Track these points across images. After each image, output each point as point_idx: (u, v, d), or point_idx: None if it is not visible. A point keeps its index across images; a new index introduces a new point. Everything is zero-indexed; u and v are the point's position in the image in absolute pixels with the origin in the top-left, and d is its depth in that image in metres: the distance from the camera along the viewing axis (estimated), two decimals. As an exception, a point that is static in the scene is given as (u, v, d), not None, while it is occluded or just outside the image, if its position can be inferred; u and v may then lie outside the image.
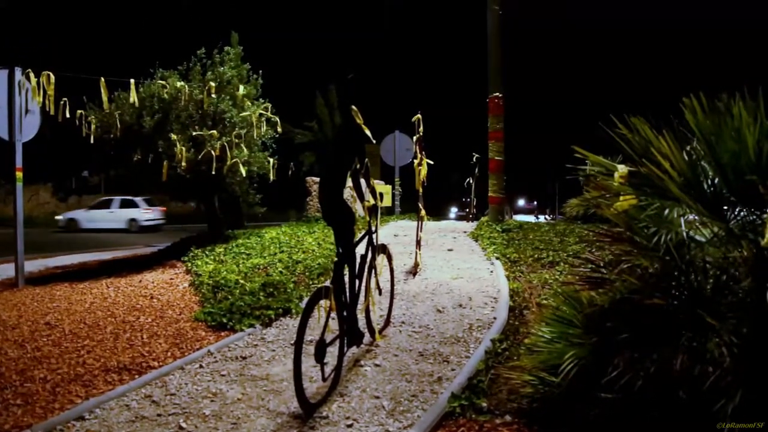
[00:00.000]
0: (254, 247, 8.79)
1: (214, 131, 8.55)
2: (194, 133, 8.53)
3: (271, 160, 9.64)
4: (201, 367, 4.17)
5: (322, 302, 3.69)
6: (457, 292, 6.11)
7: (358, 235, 4.50)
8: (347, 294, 4.01)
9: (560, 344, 3.61)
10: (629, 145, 3.30)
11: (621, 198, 3.28)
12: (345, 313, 3.91)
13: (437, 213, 41.74)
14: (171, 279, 7.50)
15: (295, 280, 6.43)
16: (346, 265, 3.99)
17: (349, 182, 4.36)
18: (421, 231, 7.31)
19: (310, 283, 6.42)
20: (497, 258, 7.51)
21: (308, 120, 18.50)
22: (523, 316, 5.40)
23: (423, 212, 7.25)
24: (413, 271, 6.98)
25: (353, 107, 4.10)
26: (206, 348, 4.51)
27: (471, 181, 14.87)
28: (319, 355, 3.46)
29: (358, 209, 5.68)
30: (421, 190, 7.18)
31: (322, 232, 9.90)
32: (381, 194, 12.97)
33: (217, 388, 3.76)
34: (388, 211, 15.79)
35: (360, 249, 4.36)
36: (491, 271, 7.00)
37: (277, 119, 9.56)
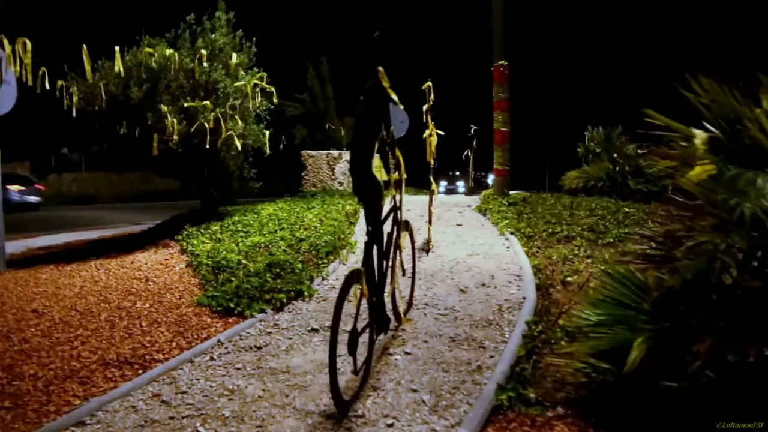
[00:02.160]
0: (252, 224, 8.32)
1: (207, 102, 8.00)
2: (186, 104, 7.97)
3: (267, 132, 9.13)
4: (212, 359, 3.76)
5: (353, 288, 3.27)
6: (476, 269, 5.74)
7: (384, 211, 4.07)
8: (376, 276, 3.59)
9: (617, 328, 3.26)
10: (707, 109, 2.92)
11: (697, 167, 2.89)
12: (374, 298, 3.50)
13: (425, 186, 41.32)
14: (165, 260, 7.04)
15: (302, 260, 5.99)
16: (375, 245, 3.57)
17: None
18: (431, 206, 6.89)
19: (319, 262, 5.99)
20: (511, 233, 7.15)
21: (299, 92, 17.87)
22: (549, 295, 5.05)
23: (434, 186, 6.83)
24: (426, 248, 6.59)
25: (380, 68, 3.64)
26: (216, 337, 4.08)
27: (469, 154, 14.48)
28: (352, 346, 3.06)
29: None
30: (432, 162, 6.76)
31: (322, 207, 9.45)
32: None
33: (233, 384, 3.35)
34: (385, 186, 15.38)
35: (385, 226, 3.94)
36: (507, 247, 6.64)
37: (273, 89, 9.02)
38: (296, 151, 15.20)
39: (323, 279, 5.53)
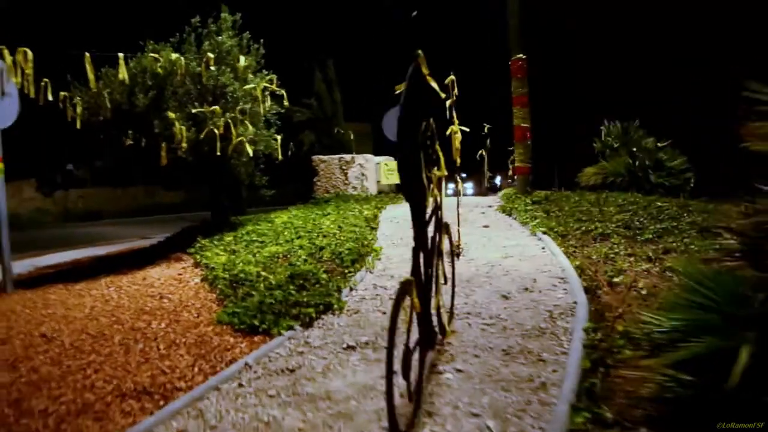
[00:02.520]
0: (266, 233, 7.95)
1: (216, 107, 7.64)
2: (194, 110, 7.62)
3: (278, 137, 8.77)
4: (241, 385, 3.36)
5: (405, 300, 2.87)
6: (515, 273, 5.34)
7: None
8: (424, 286, 3.20)
9: (705, 337, 2.85)
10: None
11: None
12: (424, 310, 3.11)
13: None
14: (179, 274, 6.67)
15: (325, 270, 5.60)
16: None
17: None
18: (458, 207, 6.49)
19: (345, 271, 5.59)
20: (544, 232, 6.74)
21: (306, 97, 17.54)
22: (598, 298, 4.65)
23: (461, 186, 6.44)
24: (456, 252, 6.19)
25: (419, 52, 3.25)
26: (242, 360, 3.68)
27: (484, 154, 14.09)
28: (406, 368, 2.66)
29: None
30: (458, 160, 6.37)
31: (338, 213, 9.07)
32: (390, 169, 12.06)
33: (268, 415, 2.95)
34: (397, 188, 15.04)
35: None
36: (542, 248, 6.23)
37: (284, 92, 8.67)
38: (305, 157, 14.87)
39: (351, 289, 5.13)
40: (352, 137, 16.12)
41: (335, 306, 4.60)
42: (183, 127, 7.37)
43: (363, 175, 12.60)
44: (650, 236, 6.38)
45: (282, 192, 17.08)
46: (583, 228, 6.96)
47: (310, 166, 12.85)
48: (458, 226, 6.42)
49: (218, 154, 7.57)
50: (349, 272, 5.49)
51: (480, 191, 14.82)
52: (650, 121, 14.95)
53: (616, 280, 5.03)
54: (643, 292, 4.68)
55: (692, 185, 13.51)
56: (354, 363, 3.61)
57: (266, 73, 8.59)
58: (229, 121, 7.62)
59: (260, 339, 4.14)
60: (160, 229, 14.08)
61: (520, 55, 9.46)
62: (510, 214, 8.41)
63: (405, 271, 5.64)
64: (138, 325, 4.73)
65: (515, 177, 10.16)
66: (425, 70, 3.27)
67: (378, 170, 13.70)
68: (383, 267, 5.80)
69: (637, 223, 7.06)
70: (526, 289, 4.83)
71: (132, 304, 5.44)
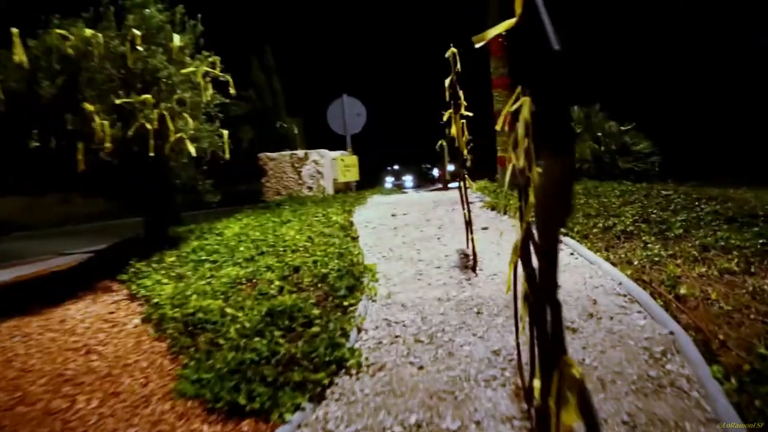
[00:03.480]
0: (218, 250, 6.49)
1: (147, 96, 6.08)
2: (118, 101, 6.02)
3: (224, 133, 7.28)
4: None
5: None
6: (562, 292, 4.22)
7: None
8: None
9: None
10: None
11: None
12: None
13: (373, 184, 39.51)
14: (110, 313, 5.15)
15: (314, 301, 4.25)
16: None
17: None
18: (467, 209, 5.30)
19: (343, 303, 4.24)
20: (564, 234, 5.68)
21: (243, 88, 15.82)
22: (678, 321, 3.60)
23: (470, 182, 5.28)
24: (470, 265, 5.01)
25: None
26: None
27: (444, 144, 12.98)
28: None
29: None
30: (465, 150, 5.20)
31: (299, 220, 7.69)
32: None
33: None
34: (357, 186, 13.73)
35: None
36: (571, 253, 5.17)
37: (229, 78, 7.18)
38: (244, 155, 13.30)
39: (360, 330, 3.81)
40: (296, 132, 14.64)
41: (350, 361, 3.27)
42: (105, 122, 5.79)
43: (318, 173, 11.20)
44: (680, 231, 5.46)
45: (226, 195, 15.39)
46: (600, 225, 5.98)
47: (255, 165, 11.33)
48: (470, 231, 5.23)
49: (152, 154, 6.03)
50: (349, 304, 4.17)
51: (443, 186, 13.72)
52: (609, 103, 14.44)
53: (682, 292, 4.02)
54: (726, 306, 3.69)
55: (657, 169, 13.06)
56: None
57: (207, 54, 7.06)
58: (165, 113, 6.10)
59: (250, 427, 2.79)
60: (81, 242, 12.04)
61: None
62: (504, 212, 7.33)
63: (417, 295, 4.41)
64: (55, 404, 3.26)
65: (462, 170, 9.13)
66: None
67: (334, 167, 12.37)
68: (387, 292, 4.53)
69: (654, 216, 6.15)
70: (591, 315, 3.70)
71: (46, 366, 3.93)
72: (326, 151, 11.75)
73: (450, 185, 13.94)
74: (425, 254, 5.60)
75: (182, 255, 6.49)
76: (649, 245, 5.15)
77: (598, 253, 5.08)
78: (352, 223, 7.02)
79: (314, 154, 11.30)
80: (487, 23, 8.54)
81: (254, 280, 5.11)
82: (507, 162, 8.21)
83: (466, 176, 5.23)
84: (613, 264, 4.72)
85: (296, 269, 5.16)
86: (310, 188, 11.24)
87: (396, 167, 58.68)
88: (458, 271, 4.93)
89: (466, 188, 5.22)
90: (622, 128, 13.14)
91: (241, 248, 6.44)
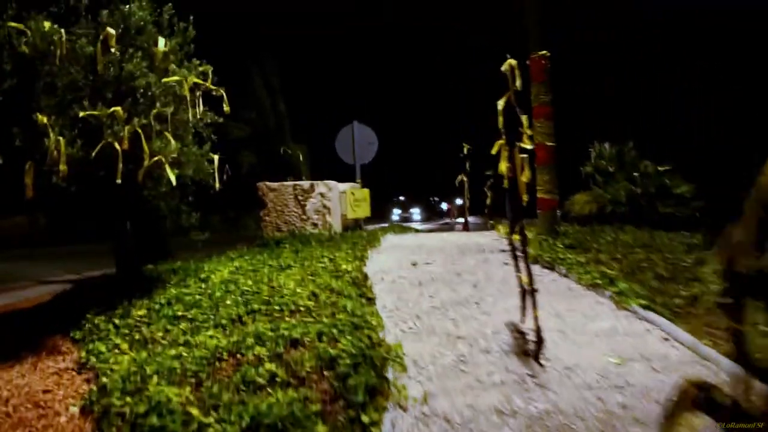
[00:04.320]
0: (199, 302, 5.20)
1: (118, 108, 4.86)
2: (82, 113, 4.80)
3: (215, 157, 6.06)
4: None
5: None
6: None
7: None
8: None
9: None
10: None
11: None
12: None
13: (378, 219, 38.06)
14: (47, 392, 3.86)
15: (319, 409, 2.92)
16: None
17: None
18: (528, 269, 3.98)
19: (363, 418, 2.89)
20: (645, 306, 4.38)
21: (243, 107, 14.55)
22: None
23: (522, 232, 3.99)
24: (529, 350, 3.68)
25: None
26: None
27: (464, 179, 11.81)
28: None
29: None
30: (525, 195, 3.94)
31: (302, 266, 6.39)
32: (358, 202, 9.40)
33: None
34: (367, 222, 12.46)
35: None
36: (665, 338, 3.87)
37: (222, 93, 5.99)
38: (244, 182, 12.08)
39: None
40: (301, 158, 13.40)
41: None
42: (61, 139, 4.55)
43: (325, 207, 9.88)
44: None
45: (214, 225, 13.99)
46: (683, 292, 4.69)
47: (254, 195, 10.05)
48: (534, 307, 3.89)
49: (119, 181, 4.78)
50: (370, 421, 2.82)
51: (451, 217, 12.37)
52: (642, 143, 13.28)
53: None
54: None
55: (698, 215, 11.80)
56: None
57: (197, 63, 5.86)
58: (139, 130, 4.86)
59: None
60: (80, 265, 10.57)
61: (543, 52, 7.25)
62: (552, 268, 6.04)
63: (465, 402, 3.08)
64: None
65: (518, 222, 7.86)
66: None
67: (343, 201, 11.04)
68: (421, 393, 3.19)
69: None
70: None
71: None
72: (334, 183, 10.44)
73: (454, 220, 12.72)
74: (465, 328, 4.29)
75: (154, 307, 5.19)
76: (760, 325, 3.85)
77: (707, 340, 3.76)
78: (366, 276, 5.70)
79: (321, 186, 10.00)
80: (529, 46, 7.44)
81: (238, 355, 3.81)
82: (549, 205, 6.96)
83: (524, 229, 3.94)
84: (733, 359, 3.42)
85: (294, 343, 3.84)
86: (315, 225, 9.90)
87: (402, 198, 57.47)
88: (515, 359, 3.61)
89: (525, 247, 3.93)
90: (660, 168, 11.92)
91: (228, 301, 5.16)
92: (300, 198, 9.94)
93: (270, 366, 3.49)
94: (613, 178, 12.29)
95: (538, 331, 3.58)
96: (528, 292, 3.81)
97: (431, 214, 44.63)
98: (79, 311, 5.24)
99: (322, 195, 9.84)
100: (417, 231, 13.35)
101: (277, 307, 4.77)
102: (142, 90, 5.11)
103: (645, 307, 4.35)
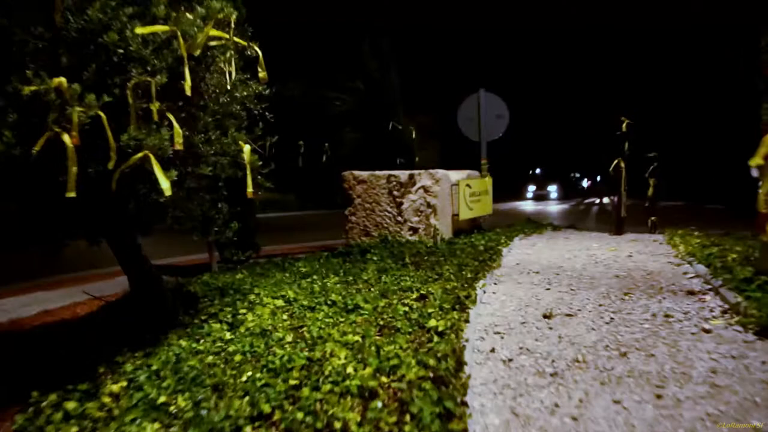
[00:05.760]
0: (199, 377, 3.38)
1: (62, 79, 3.06)
2: (26, 90, 3.07)
3: (246, 148, 4.14)
4: None
5: None
6: None
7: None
8: None
9: None
10: None
11: None
12: None
13: (511, 195, 34.95)
14: None
15: None
16: None
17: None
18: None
19: None
20: None
21: (348, 79, 12.69)
22: None
23: None
24: None
25: None
26: None
27: (621, 164, 9.01)
28: None
29: None
30: None
31: (374, 310, 4.34)
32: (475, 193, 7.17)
33: None
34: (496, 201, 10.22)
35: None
36: None
37: (258, 51, 4.04)
38: (333, 167, 10.26)
39: None
40: (414, 136, 11.18)
41: None
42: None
43: (429, 206, 7.54)
44: None
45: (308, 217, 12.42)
46: None
47: (340, 186, 8.08)
48: None
49: (72, 194, 3.03)
50: None
51: (618, 220, 9.44)
52: None
53: None
54: None
55: None
56: None
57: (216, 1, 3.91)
58: (100, 113, 3.05)
59: None
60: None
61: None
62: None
63: None
64: None
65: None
66: None
67: (455, 196, 8.49)
68: None
69: None
70: None
71: None
72: (443, 172, 7.94)
73: (592, 200, 9.89)
74: None
75: (138, 379, 3.45)
76: None
77: None
78: (460, 360, 3.36)
79: (425, 177, 7.68)
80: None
81: None
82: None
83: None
84: None
85: None
86: (413, 230, 7.64)
87: (538, 172, 53.38)
88: None
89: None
90: None
91: (242, 379, 3.28)
92: (396, 194, 7.75)
93: None
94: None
95: None
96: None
97: (570, 191, 40.52)
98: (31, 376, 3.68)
99: (425, 189, 7.56)
100: (555, 228, 10.70)
101: (299, 416, 2.77)
102: (111, 48, 3.26)
103: None
